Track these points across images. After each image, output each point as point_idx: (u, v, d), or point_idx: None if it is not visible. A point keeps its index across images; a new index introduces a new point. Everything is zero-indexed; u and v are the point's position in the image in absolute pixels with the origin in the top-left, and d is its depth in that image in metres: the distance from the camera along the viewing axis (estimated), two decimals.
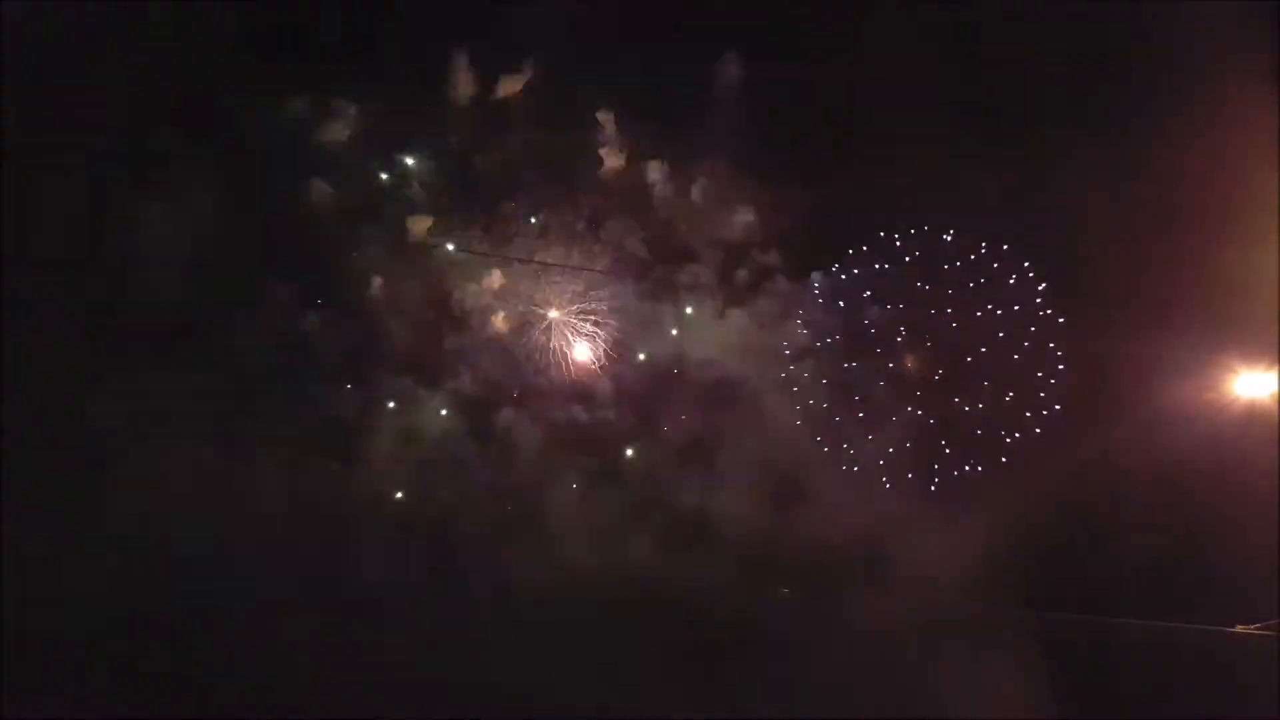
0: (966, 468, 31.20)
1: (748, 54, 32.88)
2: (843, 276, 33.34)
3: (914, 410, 32.10)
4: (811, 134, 32.80)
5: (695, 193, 33.51)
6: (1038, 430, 30.98)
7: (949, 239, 32.83)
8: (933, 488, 30.99)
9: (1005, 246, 32.18)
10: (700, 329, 33.31)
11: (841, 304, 33.27)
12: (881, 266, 33.30)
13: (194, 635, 27.30)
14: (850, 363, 32.93)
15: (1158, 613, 24.29)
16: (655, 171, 33.34)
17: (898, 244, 33.13)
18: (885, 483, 31.25)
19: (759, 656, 25.43)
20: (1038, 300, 31.98)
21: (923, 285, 32.80)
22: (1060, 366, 31.49)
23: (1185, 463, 24.81)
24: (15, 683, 24.66)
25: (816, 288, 33.61)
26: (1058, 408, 30.91)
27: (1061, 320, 31.53)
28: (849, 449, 31.92)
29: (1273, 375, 24.44)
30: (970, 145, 28.67)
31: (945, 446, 31.55)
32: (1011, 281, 32.18)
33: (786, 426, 32.29)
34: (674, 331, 33.24)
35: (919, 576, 26.72)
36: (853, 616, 25.68)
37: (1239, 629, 23.26)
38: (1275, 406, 24.37)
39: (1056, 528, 26.96)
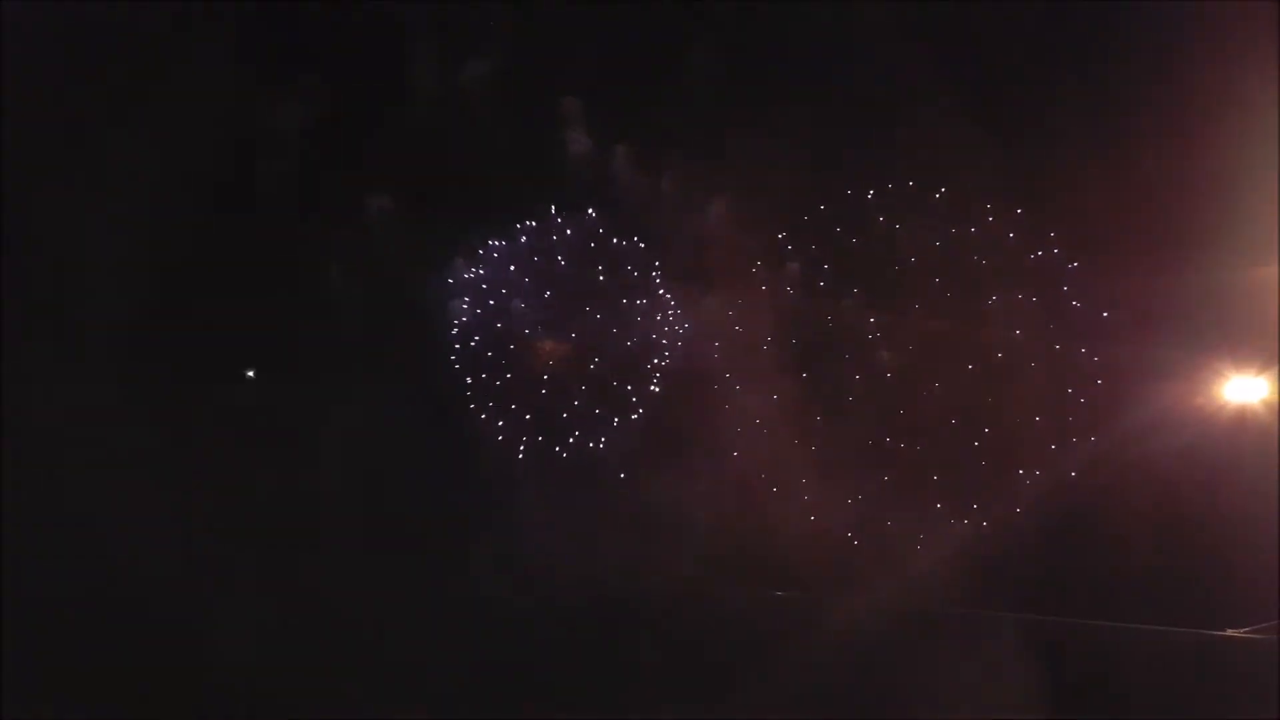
0: (966, 519, 24.48)
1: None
2: (789, 247, 25.18)
3: (894, 443, 24.87)
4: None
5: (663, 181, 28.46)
6: (1073, 474, 23.51)
7: (941, 196, 24.68)
8: (918, 544, 24.86)
9: (1020, 210, 24.23)
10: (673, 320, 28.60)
11: (789, 289, 25.28)
12: (850, 239, 25.30)
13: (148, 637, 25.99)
14: (803, 372, 25.31)
15: (1154, 615, 23.16)
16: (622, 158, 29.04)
17: (870, 199, 24.85)
18: (852, 539, 25.14)
19: (753, 657, 24.41)
20: (1065, 288, 24.26)
21: (902, 263, 24.90)
22: (1100, 380, 23.80)
23: (1182, 464, 23.62)
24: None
25: (754, 269, 25.71)
26: (1093, 440, 23.93)
27: (1106, 315, 23.69)
28: (806, 487, 25.47)
29: (1271, 376, 23.47)
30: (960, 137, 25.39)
31: (935, 492, 24.60)
32: (1035, 257, 24.16)
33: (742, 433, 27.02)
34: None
35: (912, 577, 25.17)
36: (844, 617, 24.59)
37: (1230, 632, 22.52)
38: (1274, 407, 23.43)
39: (1051, 528, 25.21)
